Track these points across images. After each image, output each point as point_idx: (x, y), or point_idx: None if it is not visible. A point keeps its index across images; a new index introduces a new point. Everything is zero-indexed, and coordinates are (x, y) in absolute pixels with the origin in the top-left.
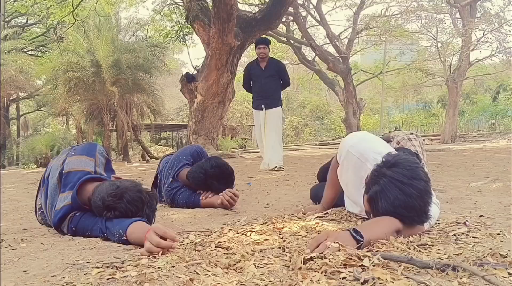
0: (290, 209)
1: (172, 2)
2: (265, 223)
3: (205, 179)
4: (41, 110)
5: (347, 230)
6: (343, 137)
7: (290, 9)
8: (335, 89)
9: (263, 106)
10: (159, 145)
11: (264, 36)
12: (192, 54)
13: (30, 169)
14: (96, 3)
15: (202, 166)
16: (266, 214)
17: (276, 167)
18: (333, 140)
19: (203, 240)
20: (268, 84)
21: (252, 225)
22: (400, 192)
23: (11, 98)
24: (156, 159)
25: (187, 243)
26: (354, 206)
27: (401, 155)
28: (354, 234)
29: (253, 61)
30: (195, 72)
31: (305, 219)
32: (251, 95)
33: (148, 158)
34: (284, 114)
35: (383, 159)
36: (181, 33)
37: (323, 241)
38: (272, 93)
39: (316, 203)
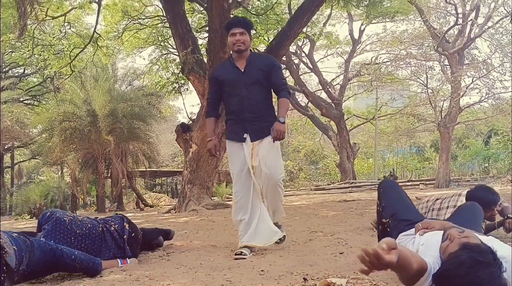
0: (285, 277)
1: (168, 52)
2: None
3: None
4: (36, 158)
5: None
6: (338, 181)
7: (283, 57)
8: (328, 134)
9: (246, 136)
10: (153, 192)
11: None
12: (187, 100)
13: (24, 220)
14: (94, 54)
15: None
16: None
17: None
18: (328, 184)
19: None
20: (253, 96)
21: None
22: (463, 277)
23: (5, 147)
24: (151, 206)
25: None
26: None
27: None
28: None
29: (224, 62)
30: (190, 122)
31: None
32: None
33: (143, 206)
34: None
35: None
36: (177, 84)
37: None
38: (262, 111)
39: None
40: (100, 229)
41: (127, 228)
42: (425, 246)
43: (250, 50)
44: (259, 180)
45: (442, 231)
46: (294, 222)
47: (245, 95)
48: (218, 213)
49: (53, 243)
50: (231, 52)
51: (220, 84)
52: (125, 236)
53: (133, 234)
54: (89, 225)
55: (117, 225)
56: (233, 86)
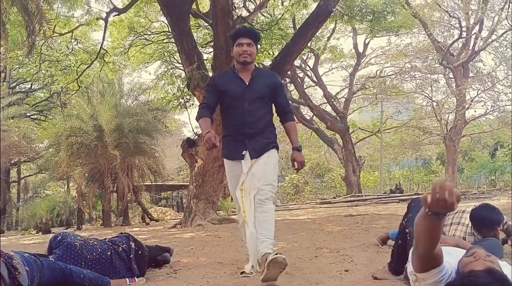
0: None
1: (174, 67)
2: None
3: None
4: (42, 173)
5: None
6: (344, 194)
7: (288, 72)
8: (334, 147)
9: (245, 153)
10: (158, 206)
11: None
12: (193, 115)
13: (30, 234)
14: (100, 70)
15: None
16: None
17: (266, 263)
18: (334, 198)
19: None
20: (255, 112)
21: None
22: None
23: (12, 162)
24: (156, 221)
25: None
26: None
27: None
28: None
29: (226, 71)
30: (196, 137)
31: None
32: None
33: (148, 220)
34: (284, 172)
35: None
36: (183, 100)
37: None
38: (263, 128)
39: None
40: (109, 253)
41: (133, 246)
42: None
43: (255, 64)
44: (247, 194)
45: (456, 247)
46: (300, 238)
47: (247, 109)
48: (223, 228)
49: (62, 262)
50: (235, 63)
51: (221, 94)
52: (131, 256)
53: (139, 252)
54: (99, 250)
55: (124, 245)
56: (236, 98)
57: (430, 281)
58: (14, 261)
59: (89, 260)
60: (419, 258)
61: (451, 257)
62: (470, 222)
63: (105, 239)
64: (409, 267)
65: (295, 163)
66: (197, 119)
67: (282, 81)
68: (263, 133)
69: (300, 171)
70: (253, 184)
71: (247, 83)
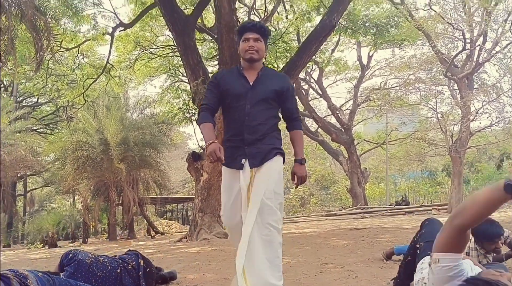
0: None
1: (179, 80)
2: None
3: None
4: (48, 186)
5: None
6: (349, 207)
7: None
8: (339, 159)
9: (244, 161)
10: (164, 218)
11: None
12: (198, 128)
13: (37, 248)
14: (106, 84)
15: None
16: None
17: None
18: (339, 210)
19: None
20: (256, 115)
21: None
22: None
23: (18, 175)
24: (162, 234)
25: None
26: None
27: None
28: None
29: (230, 69)
30: (201, 150)
31: None
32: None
33: (154, 233)
34: (289, 184)
35: None
36: (188, 113)
37: None
38: (265, 133)
39: None
40: (119, 270)
41: (142, 264)
42: None
43: (263, 63)
44: (250, 213)
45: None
46: (305, 253)
47: (248, 112)
48: (229, 242)
49: (73, 280)
50: (241, 61)
51: (222, 93)
52: (140, 273)
53: (148, 269)
54: (109, 267)
55: (133, 263)
56: (237, 98)
57: (444, 264)
58: (28, 281)
59: (99, 277)
60: (449, 231)
61: (465, 265)
62: (472, 237)
63: (115, 256)
64: (417, 275)
65: (295, 177)
66: (198, 123)
67: None
68: (265, 139)
69: (306, 183)
70: (256, 205)
71: (251, 83)
